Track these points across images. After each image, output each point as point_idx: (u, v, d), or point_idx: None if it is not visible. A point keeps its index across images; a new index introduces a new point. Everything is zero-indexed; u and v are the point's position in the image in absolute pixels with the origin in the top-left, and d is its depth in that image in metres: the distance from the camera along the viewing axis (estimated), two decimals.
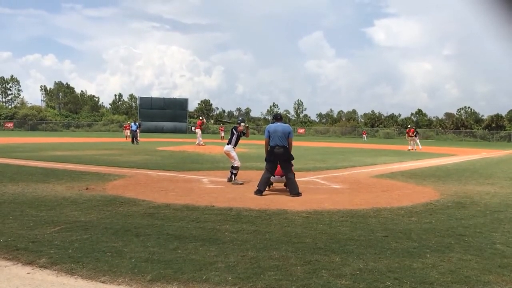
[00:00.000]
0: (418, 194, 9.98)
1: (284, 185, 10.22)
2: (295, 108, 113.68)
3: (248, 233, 5.86)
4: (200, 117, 32.15)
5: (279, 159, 9.74)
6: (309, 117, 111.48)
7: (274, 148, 9.65)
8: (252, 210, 7.51)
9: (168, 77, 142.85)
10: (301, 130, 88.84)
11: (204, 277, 4.08)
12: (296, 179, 9.65)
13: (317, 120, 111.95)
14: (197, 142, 28.31)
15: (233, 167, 11.18)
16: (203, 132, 30.48)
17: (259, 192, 9.38)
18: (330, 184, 11.52)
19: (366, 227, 6.37)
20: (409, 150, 31.88)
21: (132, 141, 32.28)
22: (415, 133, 33.04)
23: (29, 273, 4.22)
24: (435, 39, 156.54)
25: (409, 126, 36.42)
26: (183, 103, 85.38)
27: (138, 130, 33.56)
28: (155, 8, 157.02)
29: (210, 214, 7.15)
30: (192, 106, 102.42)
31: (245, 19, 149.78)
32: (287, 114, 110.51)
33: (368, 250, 5.10)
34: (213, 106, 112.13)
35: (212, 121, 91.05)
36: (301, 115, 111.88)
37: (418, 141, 33.18)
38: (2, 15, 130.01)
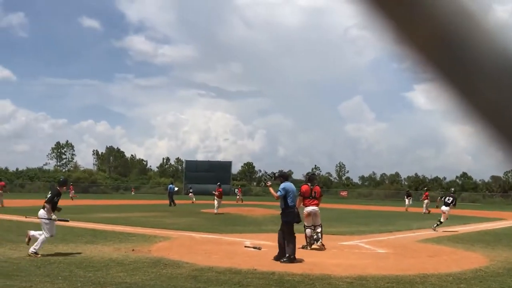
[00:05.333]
0: (466, 259, 9.59)
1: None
2: (337, 171, 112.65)
3: None
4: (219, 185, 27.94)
5: (297, 222, 9.50)
6: (351, 179, 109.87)
7: (293, 208, 9.41)
8: (295, 275, 7.44)
9: (213, 141, 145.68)
10: (344, 193, 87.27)
11: None
12: (340, 243, 9.49)
13: (360, 182, 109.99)
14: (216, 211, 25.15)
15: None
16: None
17: (293, 259, 8.87)
18: (375, 248, 11.25)
19: None
20: (424, 213, 30.37)
21: (170, 204, 32.75)
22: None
23: None
24: None
25: (425, 189, 35.65)
26: (227, 166, 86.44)
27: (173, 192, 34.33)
28: (201, 77, 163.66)
29: (253, 278, 7.14)
30: (236, 168, 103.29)
31: (285, 86, 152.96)
32: (329, 177, 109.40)
33: None
34: (256, 169, 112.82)
35: (255, 183, 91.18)
36: (343, 178, 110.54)
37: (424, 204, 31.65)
38: (61, 85, 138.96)
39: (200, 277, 7.11)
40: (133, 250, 9.89)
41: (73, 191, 43.91)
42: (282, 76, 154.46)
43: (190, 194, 42.18)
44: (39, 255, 8.81)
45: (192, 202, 37.73)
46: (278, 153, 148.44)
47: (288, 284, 6.72)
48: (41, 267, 7.67)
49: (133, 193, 70.26)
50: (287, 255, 8.92)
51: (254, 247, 10.56)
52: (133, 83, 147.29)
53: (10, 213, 20.51)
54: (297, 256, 9.25)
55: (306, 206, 10.89)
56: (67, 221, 10.63)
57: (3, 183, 27.63)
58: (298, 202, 10.86)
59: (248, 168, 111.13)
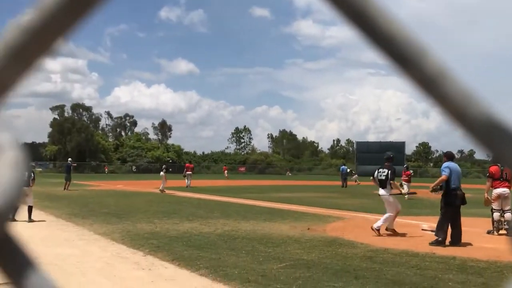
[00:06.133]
0: None
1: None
2: None
3: (475, 286, 5.43)
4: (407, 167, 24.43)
5: (461, 204, 8.74)
6: None
7: (457, 190, 8.70)
8: (480, 261, 6.88)
9: (384, 121, 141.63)
10: None
11: None
12: None
13: None
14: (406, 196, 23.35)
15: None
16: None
17: (441, 242, 8.38)
18: None
19: None
20: None
21: (343, 185, 32.76)
22: None
23: None
24: None
25: None
26: (400, 146, 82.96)
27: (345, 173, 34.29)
28: (370, 55, 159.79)
29: (431, 261, 6.83)
30: (409, 149, 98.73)
31: (464, 59, 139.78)
32: None
33: None
34: (432, 149, 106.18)
35: (431, 164, 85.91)
36: None
37: None
38: (237, 74, 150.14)
39: (375, 258, 7.06)
40: (308, 228, 10.23)
41: (226, 171, 47.17)
42: (459, 49, 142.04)
43: (355, 176, 41.27)
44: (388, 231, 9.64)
45: (357, 183, 37.27)
46: (457, 131, 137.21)
47: (472, 270, 6.26)
48: (227, 242, 8.43)
49: (288, 173, 72.87)
50: (436, 238, 8.49)
51: (432, 231, 10.02)
52: (302, 67, 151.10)
53: (198, 192, 22.91)
54: (482, 241, 8.58)
55: (495, 188, 10.00)
56: (415, 193, 12.64)
57: (192, 165, 30.90)
58: (488, 184, 10.06)
59: (424, 148, 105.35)
